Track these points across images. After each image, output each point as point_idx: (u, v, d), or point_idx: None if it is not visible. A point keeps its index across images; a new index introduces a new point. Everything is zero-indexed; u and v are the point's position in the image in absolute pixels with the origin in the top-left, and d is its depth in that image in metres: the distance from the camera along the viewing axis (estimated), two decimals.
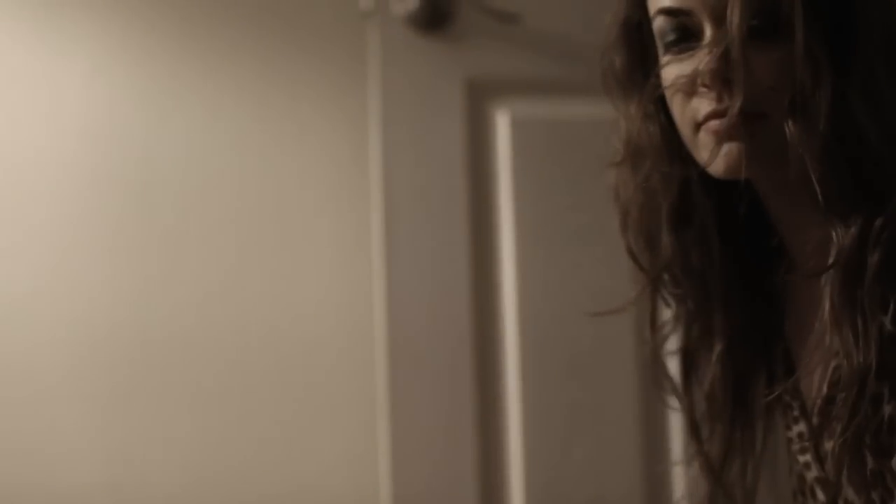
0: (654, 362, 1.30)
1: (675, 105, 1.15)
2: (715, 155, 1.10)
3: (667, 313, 1.31)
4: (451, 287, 1.99)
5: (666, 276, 1.25)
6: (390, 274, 1.98)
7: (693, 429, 1.28)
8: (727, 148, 1.09)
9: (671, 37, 1.14)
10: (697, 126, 1.12)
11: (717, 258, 1.22)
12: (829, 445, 1.12)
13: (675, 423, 1.99)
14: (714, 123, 1.10)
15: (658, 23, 1.15)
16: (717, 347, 1.25)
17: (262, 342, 2.08)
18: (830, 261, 1.08)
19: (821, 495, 1.19)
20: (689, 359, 1.28)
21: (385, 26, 2.02)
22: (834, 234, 1.07)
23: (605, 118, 2.03)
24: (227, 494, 2.05)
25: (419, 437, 1.95)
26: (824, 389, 1.13)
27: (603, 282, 2.01)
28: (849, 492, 1.12)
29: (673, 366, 1.31)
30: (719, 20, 1.09)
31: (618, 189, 1.27)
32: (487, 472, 1.97)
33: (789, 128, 1.07)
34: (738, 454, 1.27)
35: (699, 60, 1.10)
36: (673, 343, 1.31)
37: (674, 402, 1.31)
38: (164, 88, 2.11)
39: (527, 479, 1.97)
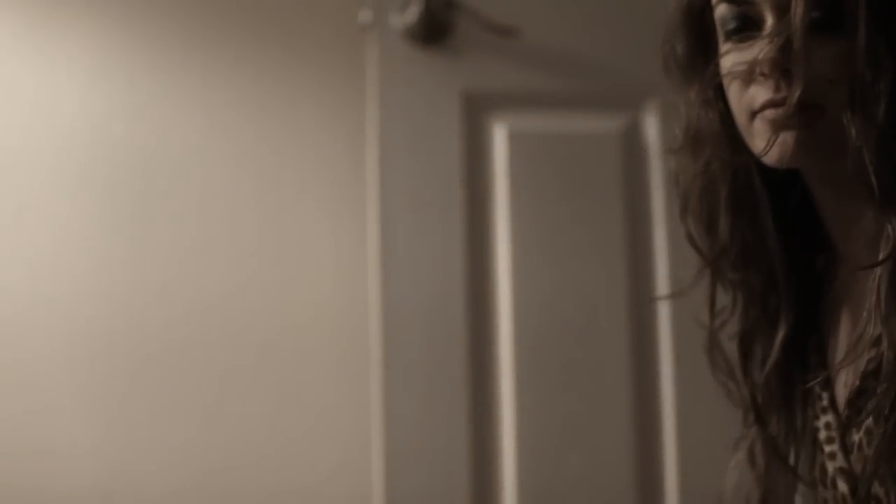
0: (711, 347, 1.30)
1: (732, 92, 1.16)
2: (769, 144, 1.11)
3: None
4: (446, 298, 1.99)
5: (725, 261, 1.25)
6: (386, 284, 1.98)
7: (747, 414, 1.29)
8: (782, 137, 1.10)
9: (732, 25, 1.15)
10: (753, 114, 1.13)
11: (776, 244, 1.23)
12: (856, 437, 1.14)
13: (669, 432, 2.00)
14: (770, 112, 1.11)
15: (720, 10, 1.17)
16: (780, 332, 1.25)
17: (258, 350, 2.09)
18: (884, 255, 1.09)
19: (842, 486, 1.19)
20: (746, 344, 1.28)
21: (384, 39, 2.03)
22: (889, 227, 1.08)
23: (602, 133, 2.06)
24: (222, 499, 2.05)
25: (413, 445, 1.96)
26: (856, 382, 1.15)
27: (598, 294, 2.03)
28: (873, 484, 1.13)
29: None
30: (781, 11, 1.10)
31: (678, 175, 1.27)
32: (481, 481, 1.98)
33: (848, 120, 1.08)
34: (793, 439, 1.27)
35: (759, 49, 1.11)
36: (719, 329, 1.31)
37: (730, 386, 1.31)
38: (163, 99, 2.12)
39: (520, 488, 1.97)
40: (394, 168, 2.01)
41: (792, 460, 1.27)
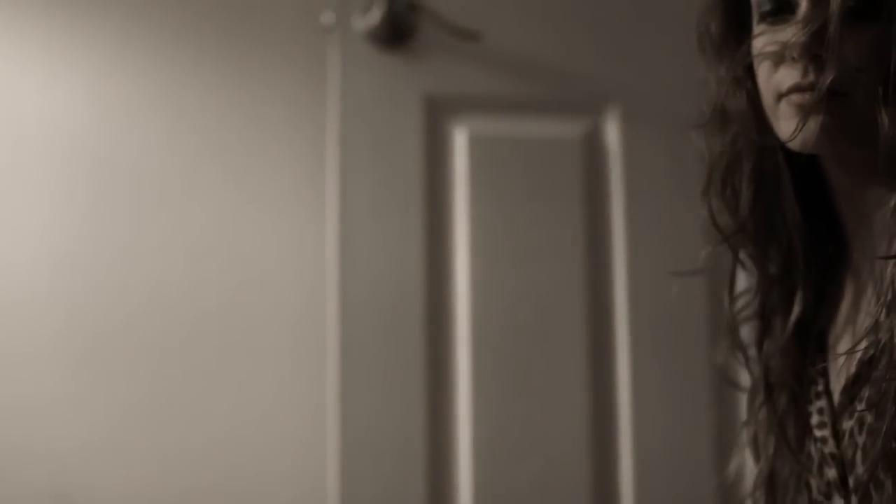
0: (730, 329, 1.31)
1: (762, 73, 1.18)
2: (797, 129, 1.13)
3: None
4: (404, 300, 1.99)
5: (745, 236, 1.27)
6: (345, 286, 1.98)
7: (754, 396, 1.30)
8: (806, 122, 1.12)
9: (767, 6, 1.17)
10: (780, 96, 1.15)
11: (796, 222, 1.25)
12: (847, 424, 1.15)
13: (625, 436, 2.00)
14: (796, 97, 1.13)
15: None
16: (795, 311, 1.26)
17: (215, 350, 2.08)
18: None
19: (829, 473, 1.20)
20: (764, 321, 1.29)
21: (346, 41, 2.02)
22: None
23: (562, 137, 2.06)
24: (175, 498, 2.04)
25: (369, 448, 1.95)
26: (852, 369, 1.16)
27: (556, 299, 2.03)
28: (861, 471, 1.14)
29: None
30: None
31: (704, 150, 1.29)
32: (437, 484, 1.97)
33: (879, 109, 1.10)
34: (796, 421, 1.28)
35: (791, 33, 1.13)
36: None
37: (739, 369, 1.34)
38: (125, 96, 2.11)
39: (476, 491, 1.97)
40: (354, 169, 2.01)
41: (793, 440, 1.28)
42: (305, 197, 2.12)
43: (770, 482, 1.29)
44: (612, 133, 2.08)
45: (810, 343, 1.26)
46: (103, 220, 2.08)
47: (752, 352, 1.30)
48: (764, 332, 1.29)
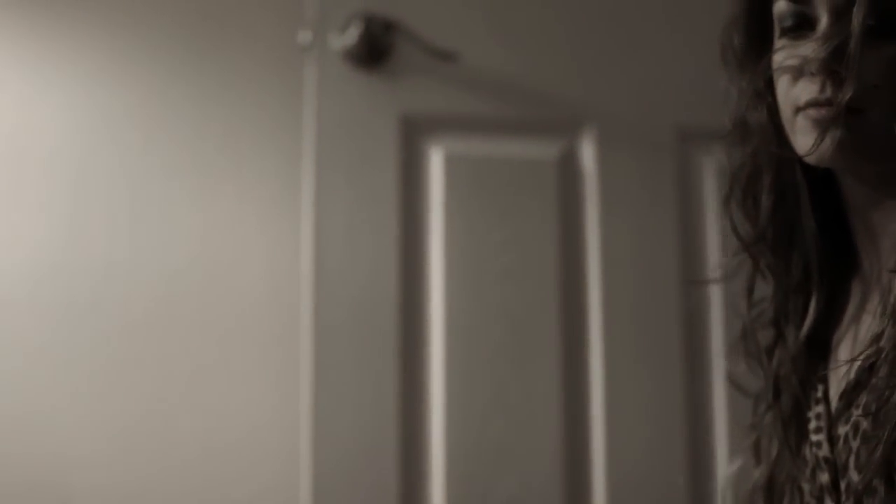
0: (745, 336, 1.34)
1: (780, 86, 1.20)
2: (809, 141, 1.15)
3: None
4: (378, 319, 1.99)
5: (764, 245, 1.29)
6: (319, 305, 1.98)
7: (761, 400, 1.33)
8: (819, 137, 1.14)
9: (789, 22, 1.19)
10: (797, 110, 1.17)
11: (813, 233, 1.27)
12: (842, 430, 1.17)
13: (598, 456, 2.00)
14: (813, 111, 1.15)
15: (779, 7, 1.21)
16: (809, 320, 1.29)
17: (191, 369, 2.07)
18: None
19: (822, 477, 1.22)
20: (778, 329, 1.32)
21: (322, 60, 2.03)
22: None
23: (537, 159, 2.07)
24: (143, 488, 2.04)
25: (343, 469, 1.95)
26: (852, 375, 1.18)
27: (530, 319, 2.03)
28: (853, 475, 1.15)
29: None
30: (837, 14, 1.15)
31: (725, 161, 1.32)
32: None
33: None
34: (794, 423, 1.30)
35: (810, 48, 1.15)
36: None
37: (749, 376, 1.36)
38: (100, 114, 2.11)
39: None
40: (330, 188, 2.01)
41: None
42: (281, 215, 2.12)
43: (769, 486, 1.31)
44: (588, 154, 2.08)
45: (817, 351, 1.28)
46: (78, 235, 2.07)
47: (764, 359, 1.32)
48: (776, 340, 1.31)
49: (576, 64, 2.10)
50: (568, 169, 2.08)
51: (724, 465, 2.03)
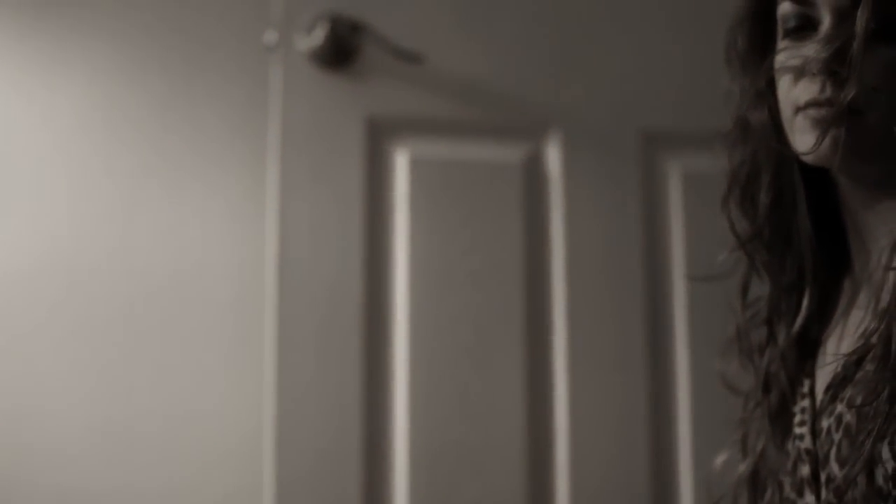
0: (740, 335, 1.37)
1: (782, 86, 1.23)
2: (808, 140, 1.18)
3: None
4: (342, 322, 1.98)
5: (760, 244, 1.31)
6: (283, 305, 1.97)
7: (753, 395, 1.35)
8: (820, 136, 1.17)
9: (792, 23, 1.22)
10: (797, 110, 1.20)
11: (809, 235, 1.30)
12: (826, 423, 1.19)
13: (562, 461, 2.01)
14: (813, 111, 1.18)
15: (783, 8, 1.23)
16: (800, 319, 1.31)
17: (153, 371, 2.06)
18: None
19: (802, 469, 1.24)
20: (771, 327, 1.34)
21: (288, 61, 2.02)
22: None
23: (503, 162, 2.07)
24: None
25: (306, 473, 1.94)
26: (838, 369, 1.20)
27: (495, 322, 2.03)
28: (834, 467, 1.17)
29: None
30: (839, 16, 1.17)
31: (725, 160, 1.35)
32: None
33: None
34: (781, 419, 1.32)
35: (812, 49, 1.18)
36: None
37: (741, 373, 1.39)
38: (61, 114, 2.09)
39: None
40: (294, 189, 2.00)
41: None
42: (246, 215, 2.12)
43: (753, 479, 1.34)
44: (553, 158, 2.09)
45: (806, 348, 1.31)
46: (42, 235, 2.06)
47: (756, 356, 1.35)
48: (769, 338, 1.34)
49: (542, 67, 2.11)
50: (533, 172, 2.08)
51: (689, 465, 2.04)
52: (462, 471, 1.99)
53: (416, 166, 2.05)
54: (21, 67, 2.09)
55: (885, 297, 1.16)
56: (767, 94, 1.28)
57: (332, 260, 2.00)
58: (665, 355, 2.07)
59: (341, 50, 2.03)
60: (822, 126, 1.17)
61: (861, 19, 1.14)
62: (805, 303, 1.31)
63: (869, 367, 1.15)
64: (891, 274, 1.16)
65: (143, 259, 2.09)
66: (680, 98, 2.14)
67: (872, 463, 1.11)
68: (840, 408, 1.18)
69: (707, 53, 2.11)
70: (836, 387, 1.20)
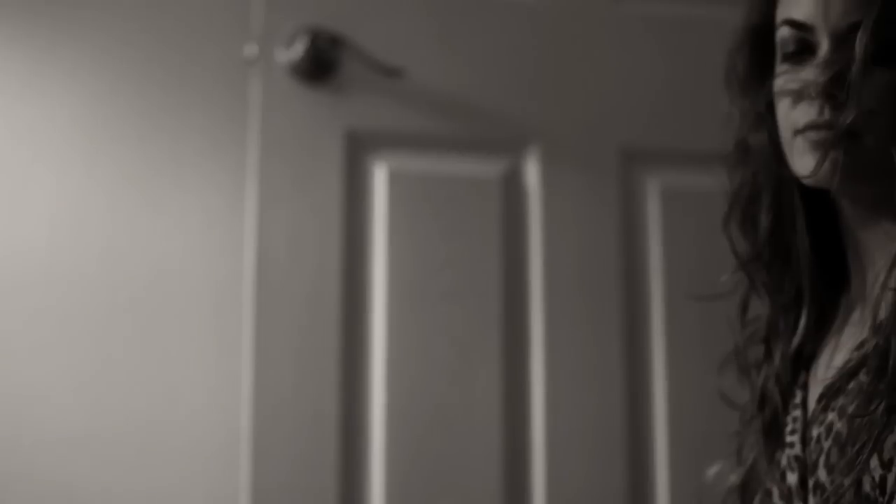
0: (738, 353, 1.39)
1: (781, 109, 1.26)
2: (807, 162, 1.21)
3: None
4: (320, 339, 1.98)
5: (760, 264, 1.34)
6: (260, 317, 1.97)
7: (748, 409, 1.38)
8: (819, 159, 1.20)
9: (791, 47, 1.25)
10: (796, 132, 1.23)
11: (807, 256, 1.32)
12: (816, 431, 1.22)
13: (539, 476, 2.01)
14: (812, 133, 1.21)
15: (782, 32, 1.26)
16: (797, 338, 1.34)
17: (130, 386, 2.05)
18: None
19: (791, 478, 1.26)
20: (769, 345, 1.36)
21: (268, 74, 2.02)
22: None
23: (482, 177, 2.07)
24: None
25: (282, 480, 1.94)
26: (829, 379, 1.23)
27: (472, 338, 2.04)
28: (822, 474, 1.20)
29: None
30: (837, 41, 1.21)
31: (726, 181, 1.37)
32: None
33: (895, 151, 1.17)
34: (775, 430, 1.34)
35: (811, 73, 1.21)
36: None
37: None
38: (41, 125, 2.09)
39: None
40: (273, 202, 2.00)
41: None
42: (225, 227, 2.11)
43: (743, 489, 1.36)
44: (532, 173, 2.09)
45: (802, 363, 1.33)
46: (20, 243, 2.05)
47: (753, 372, 1.38)
48: (766, 355, 1.36)
49: (521, 83, 2.11)
50: (512, 187, 2.08)
51: (665, 479, 2.04)
52: (439, 485, 1.99)
53: (394, 180, 2.05)
54: (0, 77, 2.09)
55: (883, 313, 1.18)
56: (767, 116, 1.30)
57: (310, 272, 2.00)
58: (642, 370, 2.07)
59: (321, 63, 2.03)
60: (821, 149, 1.19)
61: (860, 44, 1.17)
62: (803, 321, 1.33)
63: (863, 378, 1.17)
64: (888, 292, 1.18)
65: (122, 268, 2.08)
66: (659, 115, 2.15)
67: (862, 473, 1.13)
68: (831, 416, 1.21)
69: (686, 71, 2.15)
70: (829, 397, 1.23)
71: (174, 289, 2.09)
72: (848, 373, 1.21)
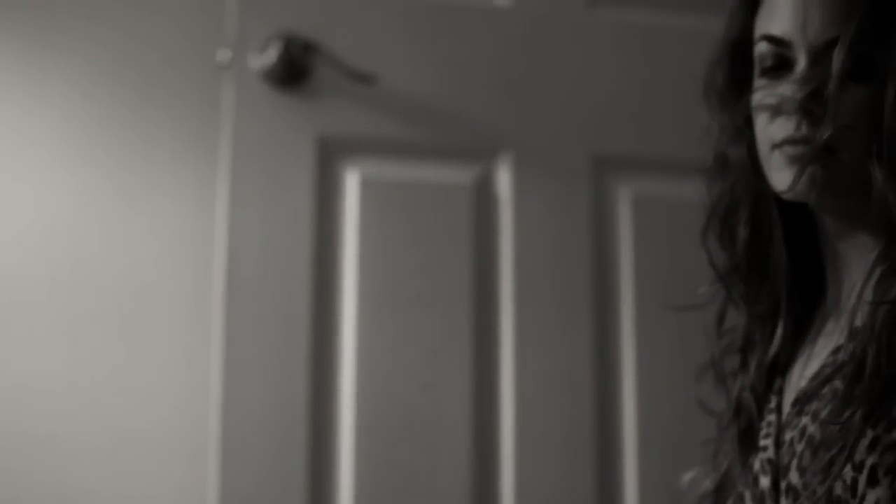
0: (714, 363, 1.41)
1: (758, 123, 1.28)
2: (784, 176, 1.23)
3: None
4: (290, 344, 1.98)
5: (738, 276, 1.36)
6: (230, 323, 1.96)
7: (724, 416, 1.39)
8: (797, 173, 1.22)
9: (769, 62, 1.27)
10: (773, 147, 1.25)
11: (784, 268, 1.34)
12: (789, 435, 1.24)
13: (507, 482, 2.01)
14: (789, 148, 1.23)
15: (760, 47, 1.28)
16: (772, 349, 1.35)
17: (100, 386, 2.05)
18: (894, 297, 1.18)
19: (763, 482, 1.28)
20: (744, 355, 1.38)
21: (241, 80, 2.02)
22: None
23: (453, 183, 2.07)
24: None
25: (250, 490, 1.93)
26: (802, 384, 1.26)
27: (442, 344, 2.04)
28: (793, 476, 1.22)
29: None
30: (814, 57, 1.23)
31: (706, 194, 1.39)
32: None
33: (872, 166, 1.19)
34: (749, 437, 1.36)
35: (788, 88, 1.23)
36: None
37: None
38: (11, 132, 2.08)
39: None
40: (244, 207, 2.00)
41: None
42: (197, 233, 2.10)
43: (717, 495, 1.38)
44: (504, 180, 2.09)
45: (777, 369, 1.35)
46: None
47: (729, 381, 1.40)
48: (742, 365, 1.38)
49: (493, 90, 2.11)
50: (483, 194, 2.09)
51: (634, 485, 2.05)
52: (408, 493, 1.99)
53: (366, 186, 2.05)
54: None
55: (859, 320, 1.20)
56: (745, 130, 1.32)
57: (280, 278, 1.99)
58: (612, 376, 2.08)
59: (294, 69, 2.03)
60: (799, 164, 1.21)
61: (836, 61, 1.20)
62: (779, 332, 1.35)
63: (838, 384, 1.19)
64: (865, 301, 1.20)
65: (93, 273, 2.07)
66: (631, 123, 2.15)
67: (836, 478, 1.15)
68: (805, 420, 1.22)
69: (659, 79, 2.15)
70: (803, 402, 1.24)
71: (145, 294, 2.08)
72: (823, 378, 1.23)
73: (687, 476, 1.44)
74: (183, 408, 2.06)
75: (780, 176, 1.24)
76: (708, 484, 1.40)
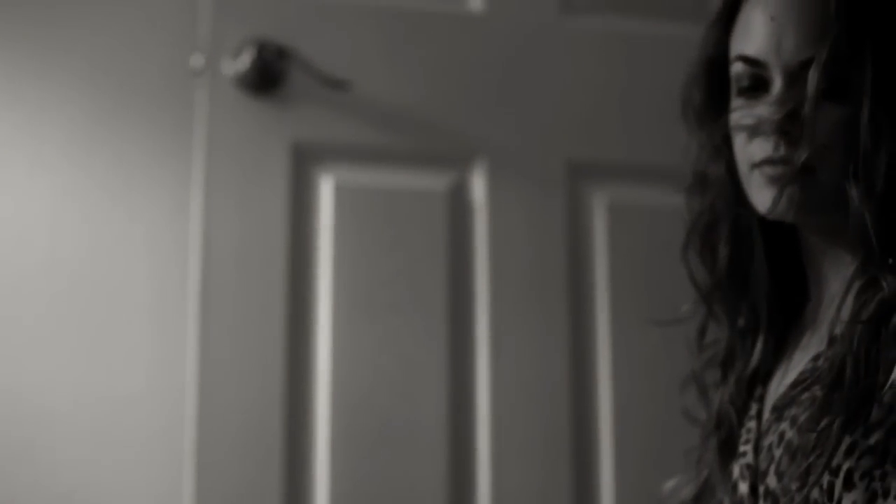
0: (696, 377, 1.43)
1: (737, 143, 1.29)
2: (764, 196, 1.25)
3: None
4: (265, 351, 1.97)
5: (719, 293, 1.37)
6: (205, 334, 1.96)
7: (707, 427, 1.41)
8: (777, 194, 1.23)
9: (745, 83, 1.28)
10: (753, 166, 1.26)
11: (765, 284, 1.36)
12: (768, 440, 1.26)
13: (484, 490, 2.01)
14: (768, 168, 1.24)
15: (736, 67, 1.29)
16: (752, 363, 1.37)
17: (72, 397, 2.03)
18: (872, 309, 1.19)
19: (742, 487, 1.29)
20: (725, 369, 1.40)
21: (214, 86, 2.01)
22: (884, 283, 1.19)
23: (428, 190, 2.07)
24: None
25: (226, 494, 1.93)
26: (781, 390, 1.28)
27: (418, 351, 2.03)
28: (771, 481, 1.23)
29: None
30: (790, 78, 1.24)
31: (686, 211, 1.40)
32: None
33: (850, 185, 1.20)
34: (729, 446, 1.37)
35: (764, 109, 1.24)
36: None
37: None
38: None
39: None
40: (218, 213, 1.99)
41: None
42: (170, 238, 2.09)
43: (696, 501, 1.40)
44: (478, 187, 2.09)
45: (758, 378, 1.37)
46: None
47: (711, 393, 1.42)
48: (723, 378, 1.40)
49: (468, 96, 2.11)
50: (458, 201, 2.09)
51: (611, 491, 2.05)
52: (384, 499, 1.98)
53: (340, 193, 2.04)
54: None
55: (838, 330, 1.21)
56: (724, 149, 1.33)
57: (255, 284, 1.99)
58: (588, 382, 2.08)
59: (268, 75, 2.02)
60: (778, 184, 1.23)
61: (811, 82, 1.21)
62: (759, 347, 1.37)
63: (817, 390, 1.20)
64: (844, 312, 1.21)
65: (63, 281, 2.06)
66: (606, 129, 2.15)
67: (815, 485, 1.17)
68: (783, 426, 1.24)
69: (634, 86, 2.16)
70: (781, 408, 1.26)
71: (120, 297, 2.07)
72: (803, 384, 1.24)
73: (668, 484, 1.46)
74: (157, 417, 2.05)
75: (761, 196, 1.26)
76: (687, 492, 1.41)
